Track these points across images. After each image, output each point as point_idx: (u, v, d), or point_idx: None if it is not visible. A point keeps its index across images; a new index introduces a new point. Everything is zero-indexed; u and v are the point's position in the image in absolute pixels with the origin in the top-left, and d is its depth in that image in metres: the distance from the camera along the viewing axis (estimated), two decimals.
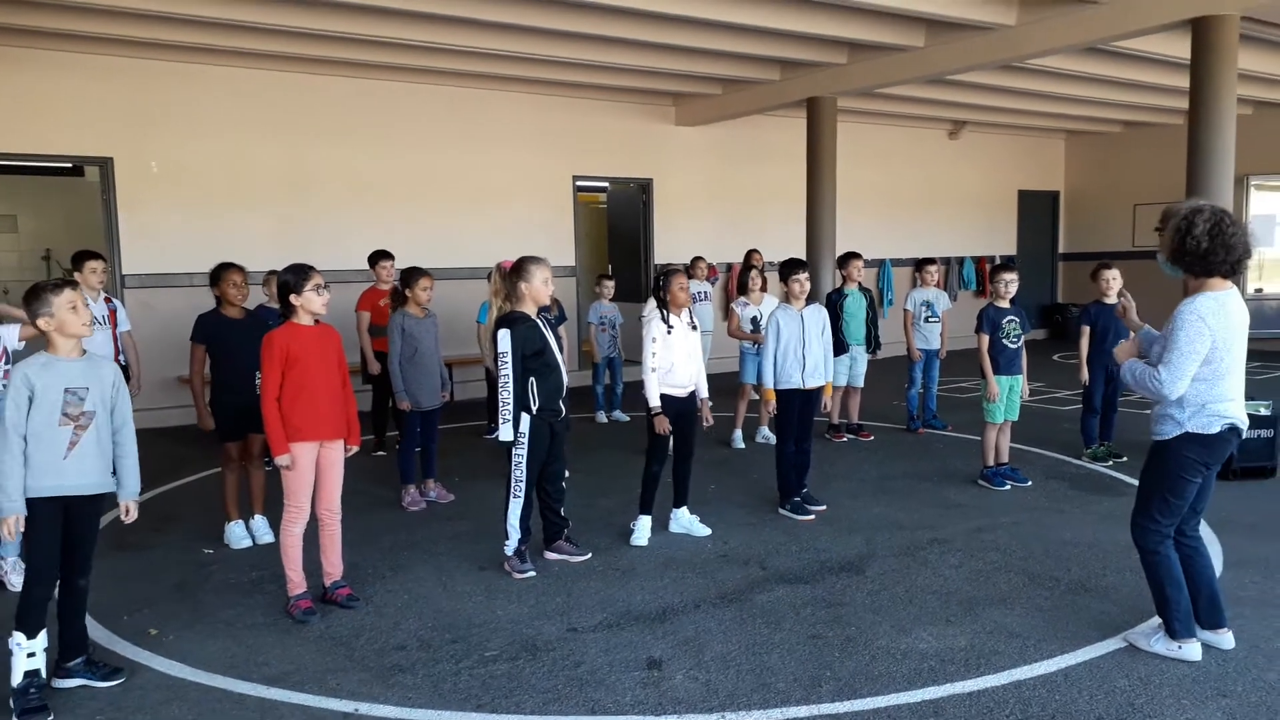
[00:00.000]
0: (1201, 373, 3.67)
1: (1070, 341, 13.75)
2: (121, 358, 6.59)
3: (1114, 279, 7.03)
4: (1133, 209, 14.97)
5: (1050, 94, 11.65)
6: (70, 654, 3.79)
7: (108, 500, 3.78)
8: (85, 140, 8.90)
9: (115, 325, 6.57)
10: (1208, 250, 3.64)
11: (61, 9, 7.51)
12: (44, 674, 3.64)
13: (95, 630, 4.25)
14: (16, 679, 3.55)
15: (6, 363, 4.61)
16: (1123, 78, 10.68)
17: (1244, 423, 3.81)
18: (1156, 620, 3.97)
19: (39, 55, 8.56)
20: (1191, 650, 3.84)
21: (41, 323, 3.62)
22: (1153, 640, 3.93)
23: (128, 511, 3.84)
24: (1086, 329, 7.09)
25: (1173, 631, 3.86)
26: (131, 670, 3.89)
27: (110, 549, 5.44)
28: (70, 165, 10.67)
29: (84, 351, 3.74)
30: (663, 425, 5.32)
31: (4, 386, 3.86)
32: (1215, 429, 3.73)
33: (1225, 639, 3.92)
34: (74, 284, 3.73)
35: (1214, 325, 3.62)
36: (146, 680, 3.83)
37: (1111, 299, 7.07)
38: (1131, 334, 4.09)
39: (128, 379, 6.59)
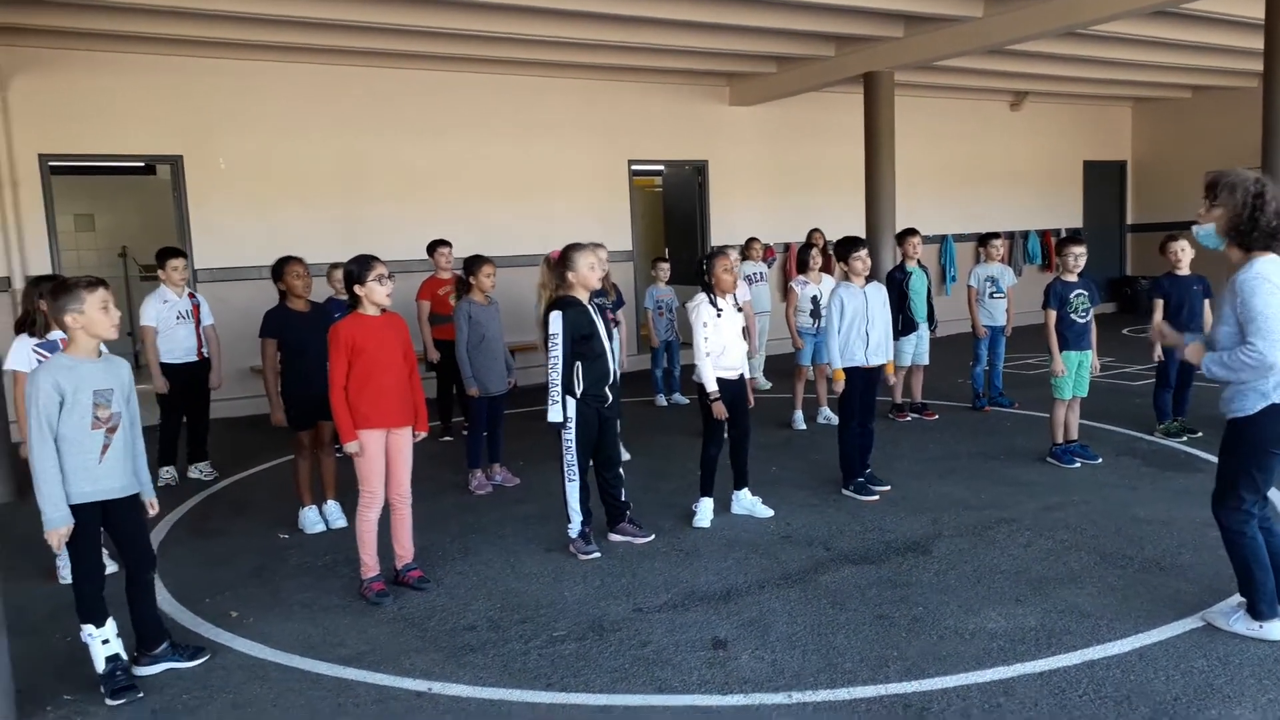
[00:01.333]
0: None
1: (1140, 315, 13.41)
2: (205, 350, 6.82)
3: (1183, 250, 6.85)
4: (1204, 177, 14.46)
5: (1116, 60, 11.32)
6: (152, 644, 3.87)
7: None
8: (157, 139, 9.16)
9: (199, 320, 6.80)
10: (1277, 228, 3.52)
11: (131, 11, 7.72)
12: (124, 656, 3.73)
13: (179, 613, 4.42)
14: (100, 665, 3.68)
15: None
16: (1192, 40, 10.32)
17: None
18: (1236, 599, 3.88)
19: (111, 58, 8.81)
20: (1274, 630, 3.74)
21: (69, 319, 3.52)
22: (1232, 619, 3.84)
23: (153, 507, 3.85)
24: (1159, 302, 6.92)
25: (1258, 613, 3.76)
26: (214, 651, 4.03)
27: (191, 535, 5.64)
28: (143, 164, 10.98)
29: (102, 353, 3.69)
30: (720, 411, 5.32)
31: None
32: None
33: None
34: (106, 283, 3.65)
35: None
36: (229, 661, 3.97)
37: (1183, 270, 6.90)
38: (1182, 342, 3.96)
39: (209, 372, 6.83)
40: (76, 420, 3.50)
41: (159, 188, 11.30)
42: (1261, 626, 3.76)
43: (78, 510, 3.54)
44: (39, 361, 4.83)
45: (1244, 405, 3.65)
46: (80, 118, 8.77)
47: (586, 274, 4.96)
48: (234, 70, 9.34)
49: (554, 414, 4.94)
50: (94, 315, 3.54)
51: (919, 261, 8.09)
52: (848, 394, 5.90)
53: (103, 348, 3.72)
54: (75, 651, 4.02)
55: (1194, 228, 3.87)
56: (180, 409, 6.81)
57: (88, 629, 3.67)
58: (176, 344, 6.67)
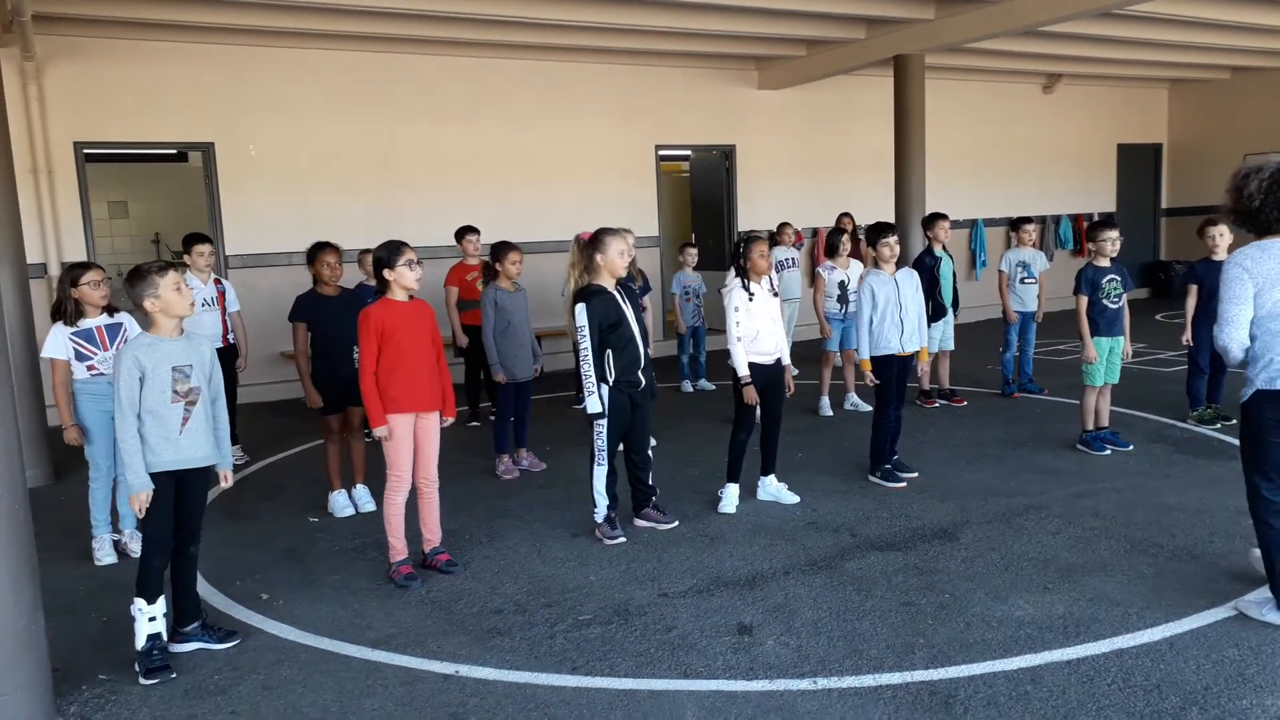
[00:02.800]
0: (1263, 323, 3.61)
1: (1174, 300, 13.20)
2: (231, 336, 6.88)
3: (1221, 235, 6.73)
4: (1243, 160, 14.10)
5: (1152, 41, 11.10)
6: (186, 619, 3.98)
7: (211, 471, 3.96)
8: (189, 126, 9.24)
9: (224, 306, 6.85)
10: (1260, 208, 3.62)
11: (164, 0, 7.79)
12: (165, 637, 3.84)
13: (211, 595, 4.49)
14: (140, 642, 3.76)
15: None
16: (1231, 20, 10.11)
17: None
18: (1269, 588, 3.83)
19: (144, 46, 8.89)
20: None
21: (148, 304, 3.74)
22: (1264, 609, 3.80)
23: (226, 479, 4.01)
24: (1194, 287, 6.82)
25: None
26: (245, 633, 4.09)
27: (222, 518, 5.72)
28: (175, 151, 11.09)
29: (183, 331, 3.87)
30: (751, 396, 5.31)
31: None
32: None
33: None
34: (177, 266, 3.88)
35: (1254, 269, 3.61)
36: (259, 642, 4.02)
37: (1220, 255, 6.78)
38: None
39: (236, 357, 6.89)
40: (157, 394, 3.72)
41: (191, 175, 11.42)
42: None
43: (157, 478, 3.72)
44: (75, 349, 4.92)
45: (1243, 393, 3.76)
46: (114, 105, 8.87)
47: (615, 259, 4.95)
48: (265, 58, 9.40)
49: (592, 405, 4.95)
50: (169, 297, 3.76)
51: (944, 246, 8.01)
52: (884, 381, 5.85)
53: (198, 329, 3.94)
54: (111, 632, 4.11)
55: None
56: None
57: (139, 603, 3.77)
58: (201, 330, 6.71)
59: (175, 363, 3.76)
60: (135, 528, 4.97)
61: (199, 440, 3.83)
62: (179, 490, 3.83)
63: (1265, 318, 3.62)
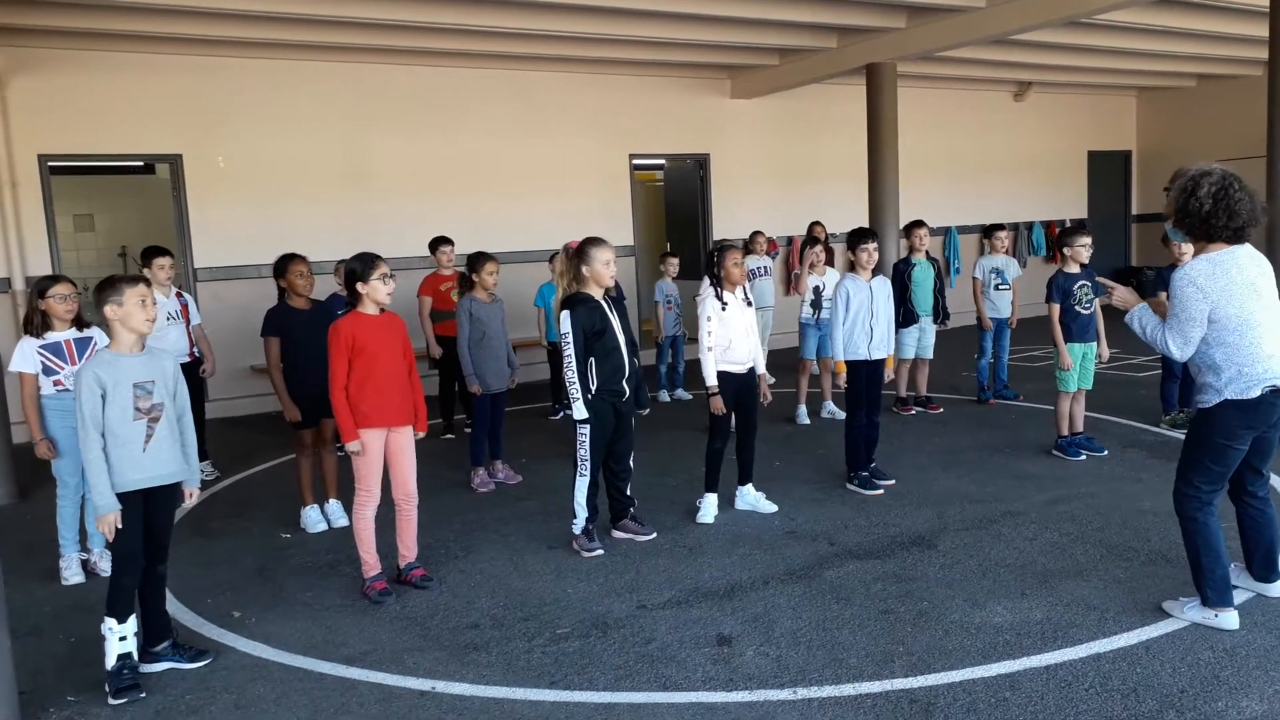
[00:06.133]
0: (1221, 336, 3.64)
1: None
2: (195, 350, 6.77)
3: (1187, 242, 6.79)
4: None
5: (1120, 49, 11.25)
6: (156, 639, 3.91)
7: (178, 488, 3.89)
8: (156, 138, 9.13)
9: (188, 319, 6.74)
10: (1209, 213, 3.63)
11: (129, 11, 7.69)
12: (135, 656, 3.77)
13: (181, 614, 4.41)
14: (110, 661, 3.69)
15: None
16: (1197, 29, 10.24)
17: None
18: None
19: (109, 58, 8.78)
20: (1228, 619, 3.77)
21: (108, 309, 3.69)
22: (1187, 607, 3.88)
23: (191, 495, 3.95)
24: (1164, 294, 6.85)
25: (1206, 599, 3.81)
26: (216, 651, 4.02)
27: (192, 535, 5.63)
28: (142, 164, 10.97)
29: (144, 346, 3.81)
30: (717, 406, 5.31)
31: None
32: (1255, 393, 3.64)
33: (1275, 588, 3.98)
34: (147, 280, 3.83)
35: (1207, 287, 3.62)
36: (231, 661, 3.96)
37: (1187, 261, 6.84)
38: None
39: (201, 371, 6.79)
40: (119, 411, 3.65)
41: (159, 187, 11.28)
42: (1216, 615, 3.78)
43: (124, 497, 3.66)
44: (43, 363, 4.83)
45: (1203, 399, 3.78)
46: (79, 117, 8.75)
47: (601, 270, 4.95)
48: (233, 68, 9.31)
49: (579, 411, 4.93)
50: (131, 309, 3.69)
51: (927, 254, 8.05)
52: (852, 387, 5.87)
53: (164, 344, 3.87)
54: (78, 652, 4.03)
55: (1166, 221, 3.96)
56: None
57: (110, 622, 3.71)
58: (168, 345, 6.55)
59: (137, 379, 3.70)
60: (105, 547, 4.88)
61: (165, 457, 3.77)
62: (147, 508, 3.77)
63: (1223, 331, 3.63)
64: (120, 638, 3.71)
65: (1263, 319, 3.64)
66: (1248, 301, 3.62)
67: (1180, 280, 3.69)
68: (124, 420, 3.66)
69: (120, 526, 3.65)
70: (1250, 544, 4.00)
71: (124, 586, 3.74)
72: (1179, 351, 3.71)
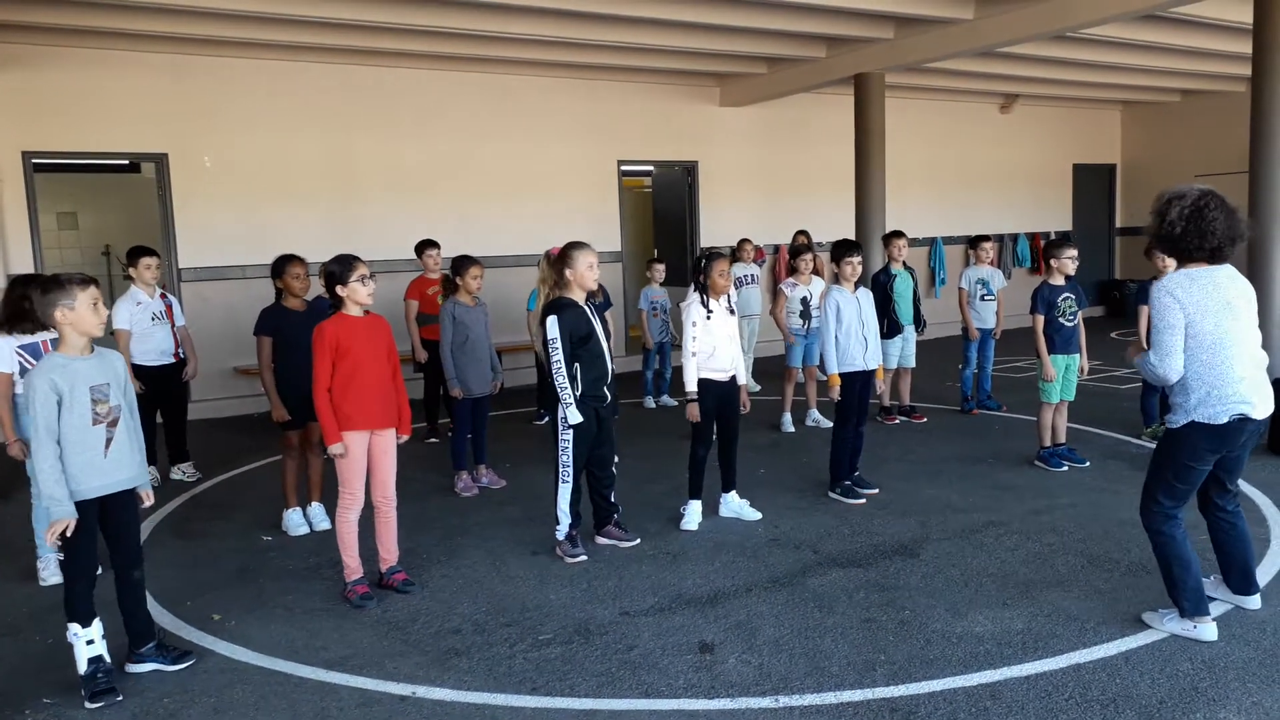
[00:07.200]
0: (1195, 353, 3.66)
1: (1129, 318, 13.44)
2: (180, 351, 6.72)
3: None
4: (1193, 180, 14.52)
5: (1106, 64, 11.35)
6: (139, 641, 3.88)
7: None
8: (141, 137, 9.07)
9: (173, 320, 6.70)
10: (1180, 235, 3.70)
11: (115, 8, 7.66)
12: (108, 659, 3.71)
13: (161, 616, 4.37)
14: (82, 666, 3.65)
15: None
16: (1181, 45, 10.34)
17: (1258, 406, 3.70)
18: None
19: (95, 55, 8.73)
20: (1207, 630, 3.79)
21: (58, 314, 3.55)
22: (1165, 619, 3.90)
23: (148, 498, 3.87)
24: (1145, 309, 6.92)
25: (1182, 610, 3.84)
26: (196, 655, 3.98)
27: (172, 537, 5.59)
28: (127, 162, 10.90)
29: (94, 349, 3.70)
30: (693, 413, 5.32)
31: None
32: (1223, 420, 3.67)
33: (1252, 601, 4.02)
34: (97, 281, 3.70)
35: (1184, 298, 3.66)
36: (211, 664, 3.93)
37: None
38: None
39: (184, 371, 6.75)
40: (77, 418, 3.55)
41: (144, 186, 11.21)
42: (1195, 626, 3.81)
43: (81, 506, 3.56)
44: (20, 362, 4.78)
45: (1172, 419, 3.81)
46: (64, 115, 8.69)
47: (584, 273, 4.94)
48: (220, 68, 9.27)
49: (573, 415, 4.92)
50: (84, 312, 3.59)
51: (905, 264, 8.08)
52: (845, 398, 5.88)
53: (152, 345, 3.78)
54: (55, 654, 3.99)
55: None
56: (154, 411, 6.69)
57: (74, 628, 3.65)
58: (153, 346, 6.51)
59: (92, 382, 3.60)
60: (57, 553, 4.82)
61: (124, 462, 3.69)
62: (106, 514, 3.69)
63: (1196, 348, 3.66)
64: (87, 641, 3.66)
65: (1237, 339, 3.67)
66: (1223, 320, 3.65)
67: (1157, 290, 3.75)
68: (83, 426, 3.56)
69: (71, 537, 3.54)
70: (1225, 557, 4.04)
71: (78, 592, 3.65)
72: (1162, 364, 3.69)
